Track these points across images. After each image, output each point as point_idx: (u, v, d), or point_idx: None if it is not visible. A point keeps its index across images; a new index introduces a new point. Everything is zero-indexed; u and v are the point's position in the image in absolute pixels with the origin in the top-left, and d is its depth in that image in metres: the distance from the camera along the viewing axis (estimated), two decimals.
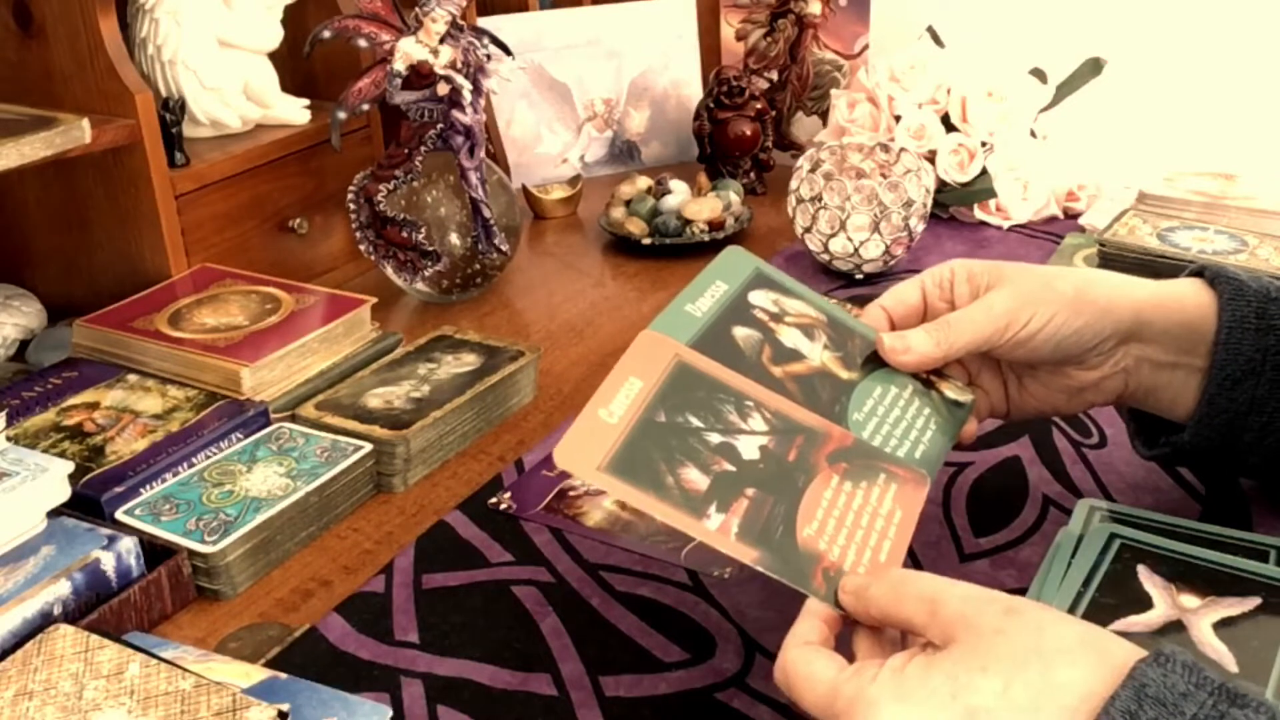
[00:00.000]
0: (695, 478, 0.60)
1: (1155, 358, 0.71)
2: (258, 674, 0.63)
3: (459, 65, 1.06)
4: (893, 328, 0.72)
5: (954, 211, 1.29)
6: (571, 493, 0.82)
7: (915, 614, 0.52)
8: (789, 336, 0.70)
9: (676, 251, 1.24)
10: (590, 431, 0.60)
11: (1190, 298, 0.71)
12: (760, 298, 0.71)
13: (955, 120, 1.26)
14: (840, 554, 0.59)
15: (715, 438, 0.63)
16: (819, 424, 0.66)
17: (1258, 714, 0.44)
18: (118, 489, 0.78)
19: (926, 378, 0.72)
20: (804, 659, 0.53)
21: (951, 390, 0.72)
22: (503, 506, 0.81)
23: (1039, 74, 1.31)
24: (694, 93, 1.51)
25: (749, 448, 0.63)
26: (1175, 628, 0.64)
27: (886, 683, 0.50)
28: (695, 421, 0.63)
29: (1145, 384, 0.72)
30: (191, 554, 0.73)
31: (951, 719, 0.47)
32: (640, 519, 0.79)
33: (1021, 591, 0.70)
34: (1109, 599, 0.66)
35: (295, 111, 1.18)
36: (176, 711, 0.58)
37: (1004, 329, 0.68)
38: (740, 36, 1.47)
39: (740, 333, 0.69)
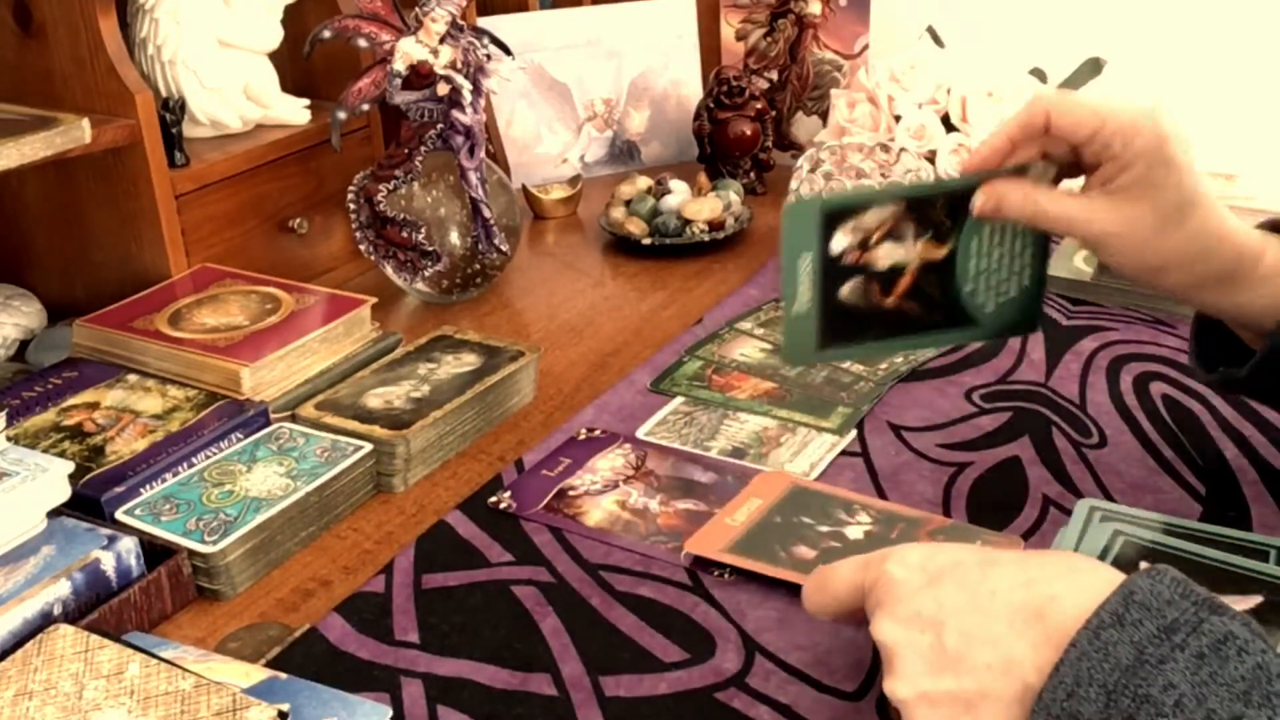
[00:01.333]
0: (804, 551, 0.73)
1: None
2: (258, 674, 0.63)
3: (459, 65, 1.06)
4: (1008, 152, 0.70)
5: None
6: (571, 492, 0.82)
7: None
8: (883, 255, 0.73)
9: (676, 251, 1.24)
10: (717, 531, 0.76)
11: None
12: (840, 241, 0.72)
13: (955, 120, 1.26)
14: None
15: (825, 528, 0.76)
16: (919, 515, 0.77)
17: (1233, 621, 0.48)
18: (118, 489, 0.78)
19: None
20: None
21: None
22: (502, 506, 0.81)
23: (1039, 74, 1.31)
24: (694, 93, 1.51)
25: (855, 533, 0.75)
26: None
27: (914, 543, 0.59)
28: (807, 520, 0.77)
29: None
30: (191, 554, 0.73)
31: (973, 559, 0.55)
32: (641, 519, 0.79)
33: None
34: None
35: (295, 111, 1.18)
36: (176, 711, 0.58)
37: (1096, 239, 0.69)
38: (740, 36, 1.47)
39: (846, 291, 0.73)
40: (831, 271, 0.73)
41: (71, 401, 0.89)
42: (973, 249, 0.73)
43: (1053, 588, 0.52)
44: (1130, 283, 0.70)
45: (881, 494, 0.81)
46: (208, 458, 0.83)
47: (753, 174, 1.42)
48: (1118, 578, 0.52)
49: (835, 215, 0.72)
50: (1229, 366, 0.74)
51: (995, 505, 0.79)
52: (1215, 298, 0.71)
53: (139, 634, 0.69)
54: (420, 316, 1.13)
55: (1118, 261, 0.70)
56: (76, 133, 0.94)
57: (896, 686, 0.54)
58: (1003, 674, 0.51)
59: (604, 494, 0.82)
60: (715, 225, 1.24)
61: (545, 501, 0.82)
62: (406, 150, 1.07)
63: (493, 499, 0.82)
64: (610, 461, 0.86)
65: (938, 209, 0.72)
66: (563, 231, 1.35)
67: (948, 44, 1.37)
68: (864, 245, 0.72)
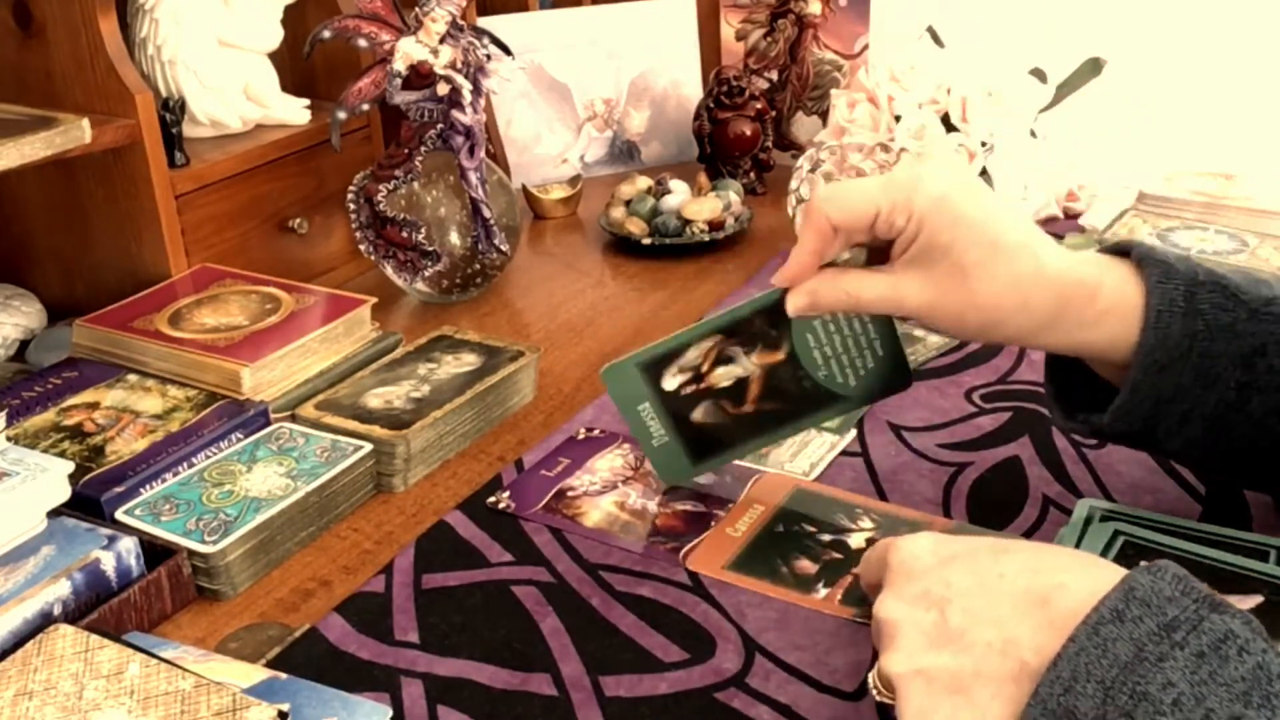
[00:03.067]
0: (806, 565, 0.73)
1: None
2: (258, 674, 0.63)
3: (459, 65, 1.06)
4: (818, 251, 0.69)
5: None
6: (570, 492, 0.82)
7: None
8: (722, 377, 0.75)
9: (676, 251, 1.24)
10: (718, 543, 0.76)
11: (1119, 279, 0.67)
12: (672, 382, 0.75)
13: (955, 120, 1.26)
14: None
15: (827, 536, 0.76)
16: (922, 518, 0.77)
17: (1234, 619, 0.47)
18: (118, 489, 0.78)
19: None
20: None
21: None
22: (501, 505, 0.81)
23: (1039, 74, 1.31)
24: (694, 93, 1.51)
25: (857, 540, 0.75)
26: None
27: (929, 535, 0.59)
28: (810, 528, 0.77)
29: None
30: (191, 554, 0.73)
31: (987, 545, 0.56)
32: (639, 520, 0.79)
33: None
34: None
35: (295, 111, 1.18)
36: (176, 711, 0.58)
37: (909, 313, 0.68)
38: (740, 36, 1.47)
39: (699, 415, 0.76)
40: (675, 405, 0.75)
41: (71, 401, 0.89)
42: (810, 342, 0.72)
43: (1061, 577, 0.52)
44: (971, 340, 0.68)
45: (881, 494, 0.81)
46: (208, 458, 0.83)
47: (753, 174, 1.42)
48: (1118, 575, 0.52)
49: (654, 365, 0.74)
50: (1092, 411, 0.69)
51: (995, 505, 0.79)
52: (1057, 340, 0.67)
53: (139, 634, 0.69)
54: (420, 316, 1.13)
55: (946, 329, 0.68)
56: (76, 133, 0.94)
57: (893, 661, 0.54)
58: (1000, 653, 0.51)
59: (603, 494, 0.82)
60: (715, 225, 1.24)
61: (544, 502, 0.82)
62: (406, 150, 1.07)
63: (491, 499, 0.82)
64: (609, 462, 0.86)
65: (756, 324, 0.72)
66: (563, 231, 1.35)
67: (948, 44, 1.36)
68: (698, 377, 0.74)
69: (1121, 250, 0.68)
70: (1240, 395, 0.65)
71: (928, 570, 0.56)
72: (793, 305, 0.70)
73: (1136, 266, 0.67)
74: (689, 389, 0.75)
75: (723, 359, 0.74)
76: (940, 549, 0.57)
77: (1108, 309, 0.66)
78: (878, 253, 0.70)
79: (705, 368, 0.74)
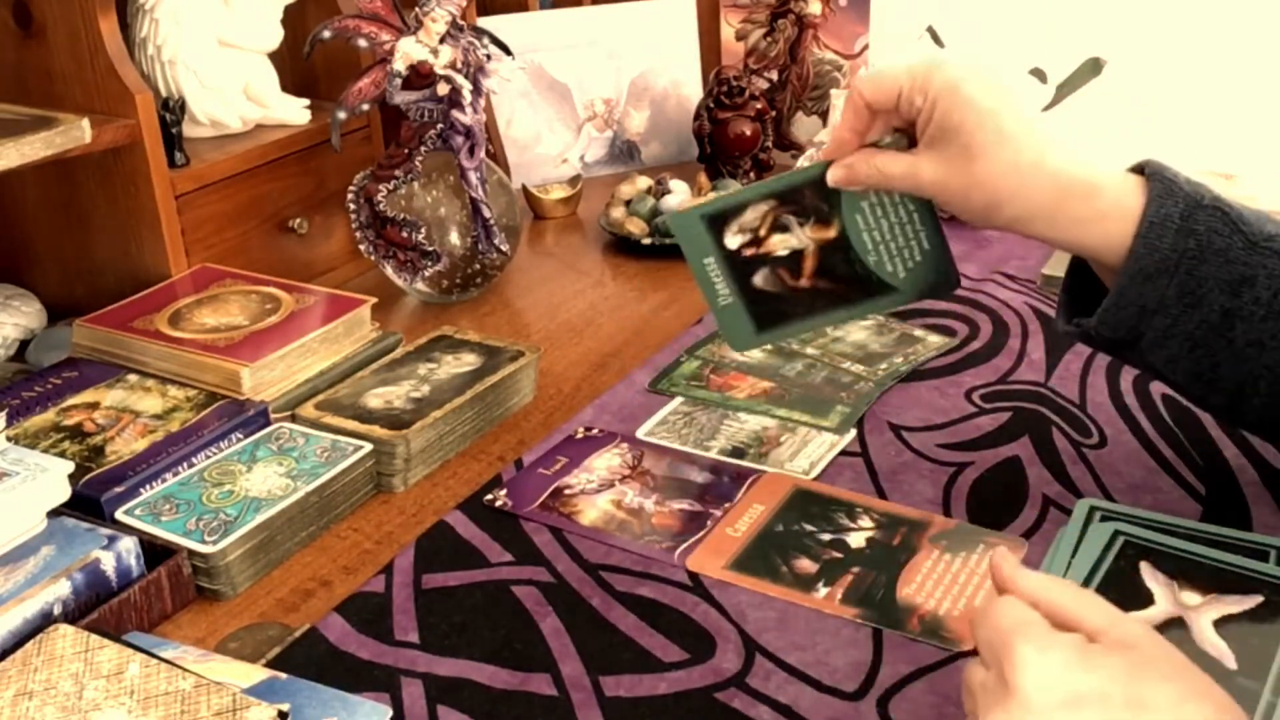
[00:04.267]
0: (806, 565, 0.74)
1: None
2: (258, 674, 0.63)
3: (459, 65, 1.06)
4: (858, 131, 0.74)
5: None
6: (567, 491, 0.82)
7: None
8: (778, 244, 0.77)
9: (676, 251, 1.23)
10: (719, 543, 0.76)
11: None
12: (733, 240, 0.78)
13: None
14: (936, 604, 0.70)
15: (827, 535, 0.76)
16: (922, 517, 0.78)
17: None
18: (118, 489, 0.78)
19: None
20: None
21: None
22: (498, 504, 0.81)
23: (1039, 74, 1.31)
24: (694, 93, 1.51)
25: (857, 540, 0.76)
26: (1176, 624, 0.64)
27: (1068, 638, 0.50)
28: (810, 527, 0.77)
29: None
30: (191, 554, 0.73)
31: (1122, 695, 0.47)
32: (635, 519, 0.79)
33: None
34: (1111, 596, 0.65)
35: (295, 111, 1.18)
36: (176, 711, 0.58)
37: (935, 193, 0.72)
38: (740, 36, 1.47)
39: (759, 280, 0.78)
40: (738, 266, 0.78)
41: (71, 401, 0.89)
42: (860, 224, 0.76)
43: None
44: (978, 224, 0.74)
45: (881, 494, 0.81)
46: (208, 458, 0.83)
47: (753, 174, 1.42)
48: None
49: (716, 219, 0.77)
50: (1087, 316, 0.72)
51: (995, 505, 0.79)
52: (1055, 233, 0.70)
53: (139, 634, 0.69)
54: (420, 316, 1.13)
55: (953, 206, 0.72)
56: (76, 133, 0.94)
57: None
58: None
59: (600, 493, 0.82)
60: None
61: (541, 500, 0.82)
62: (406, 150, 1.07)
63: (488, 497, 0.82)
64: (607, 461, 0.86)
65: (808, 196, 0.76)
66: (563, 231, 1.35)
67: (948, 44, 1.36)
68: (756, 240, 0.77)
69: (1140, 167, 0.72)
70: (1224, 320, 0.68)
71: (1050, 710, 0.47)
72: (832, 176, 0.74)
73: (1145, 179, 0.70)
74: (749, 250, 0.78)
75: (779, 225, 0.77)
76: (1070, 681, 0.48)
77: (1106, 210, 0.69)
78: (914, 143, 0.75)
79: (763, 231, 0.77)
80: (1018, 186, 0.69)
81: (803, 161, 1.21)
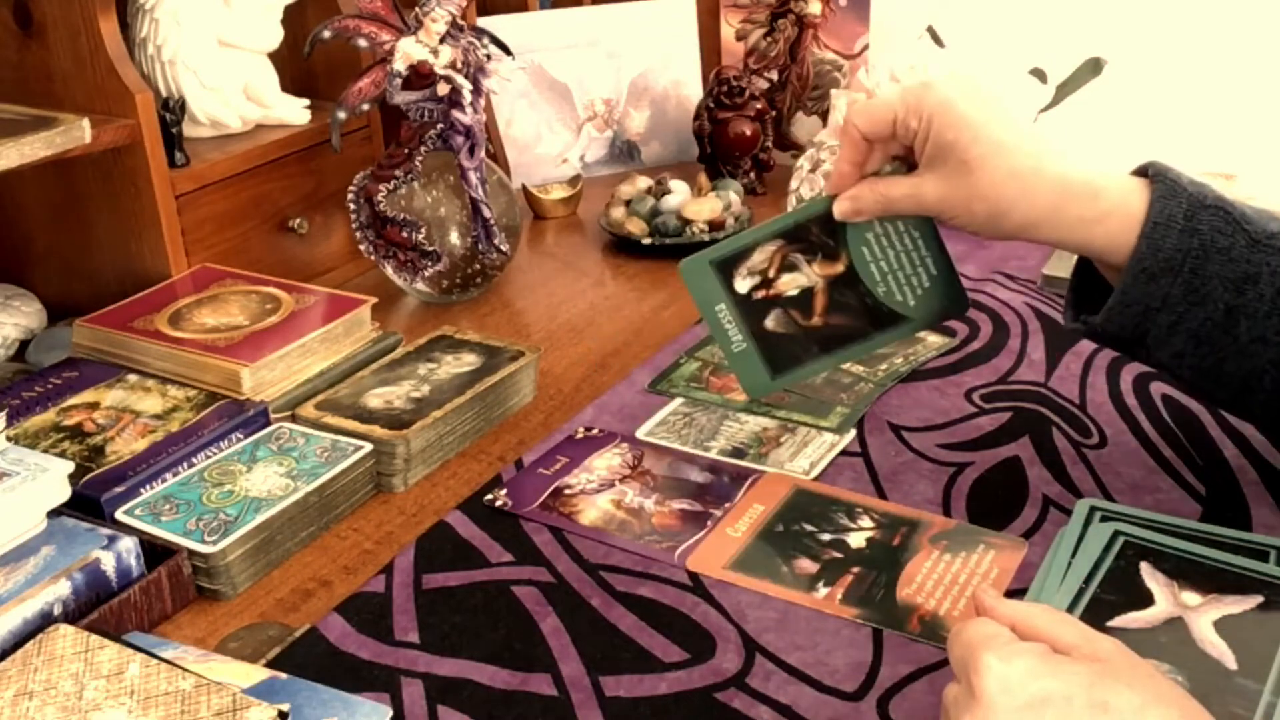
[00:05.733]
0: (806, 565, 0.74)
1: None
2: (258, 674, 0.63)
3: (459, 65, 1.06)
4: (858, 157, 0.76)
5: None
6: (567, 491, 0.83)
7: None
8: (788, 284, 0.79)
9: (676, 251, 1.24)
10: (719, 544, 0.76)
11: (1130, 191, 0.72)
12: (743, 284, 0.80)
13: None
14: (936, 604, 0.70)
15: (827, 536, 0.76)
16: (922, 517, 0.77)
17: None
18: (118, 489, 0.78)
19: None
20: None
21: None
22: (498, 503, 0.81)
23: (1039, 74, 1.31)
24: (694, 93, 1.51)
25: (857, 540, 0.76)
26: (1176, 624, 0.64)
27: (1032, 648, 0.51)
28: (810, 527, 0.77)
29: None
30: (191, 554, 0.73)
31: (1085, 698, 0.48)
32: (635, 518, 0.79)
33: (1022, 591, 0.70)
34: (1110, 596, 0.66)
35: (295, 111, 1.18)
36: (176, 711, 0.58)
37: (935, 211, 0.74)
38: (740, 36, 1.47)
39: (770, 323, 0.80)
40: (749, 310, 0.80)
41: (71, 401, 0.89)
42: (867, 255, 0.78)
43: None
44: (986, 236, 0.75)
45: (881, 494, 0.81)
46: (208, 458, 0.83)
47: (753, 174, 1.42)
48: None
49: (725, 264, 0.80)
50: (1093, 314, 0.74)
51: (995, 505, 0.79)
52: (1060, 235, 0.72)
53: (139, 634, 0.69)
54: (420, 316, 1.13)
55: (959, 221, 0.73)
56: (76, 133, 0.94)
57: None
58: None
59: (599, 493, 0.82)
60: (715, 225, 1.24)
61: (541, 500, 0.82)
62: (406, 150, 1.07)
63: (488, 497, 0.82)
64: (607, 461, 0.86)
65: (814, 233, 0.78)
66: (563, 231, 1.35)
67: (948, 44, 1.36)
68: (766, 281, 0.79)
69: (1143, 169, 0.73)
70: (1228, 317, 0.69)
71: (1013, 713, 0.48)
72: (838, 209, 0.76)
73: (1148, 180, 0.71)
74: (759, 294, 0.80)
75: (787, 265, 0.79)
76: (1034, 685, 0.49)
77: (1110, 211, 0.70)
78: (914, 169, 0.76)
79: (772, 273, 0.79)
80: (1019, 193, 0.70)
81: (802, 162, 1.21)
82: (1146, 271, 0.69)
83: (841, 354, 0.81)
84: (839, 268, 0.78)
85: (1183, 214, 0.69)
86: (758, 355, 0.81)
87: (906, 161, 0.75)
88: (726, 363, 0.83)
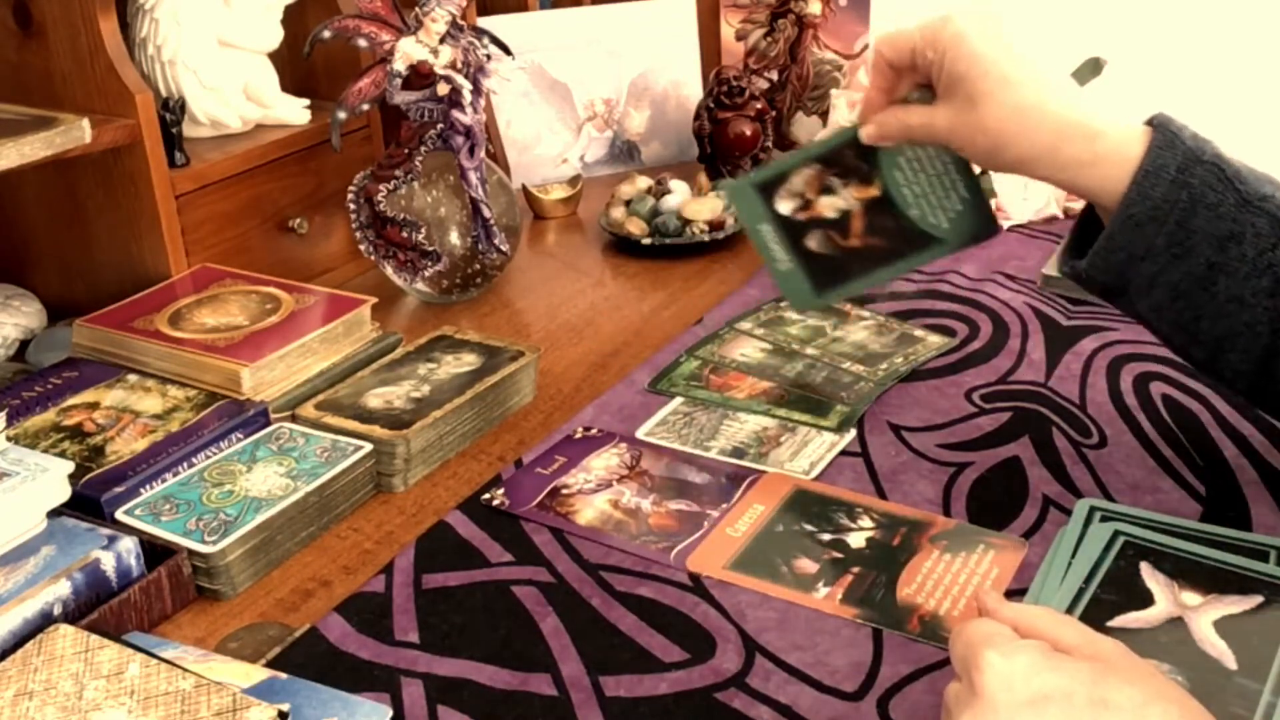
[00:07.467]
0: (806, 565, 0.74)
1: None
2: (258, 674, 0.63)
3: (459, 65, 1.06)
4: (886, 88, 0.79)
5: None
6: (564, 490, 0.83)
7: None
8: (826, 206, 0.82)
9: (676, 251, 1.24)
10: (719, 544, 0.76)
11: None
12: (784, 206, 0.83)
13: None
14: (936, 604, 0.70)
15: (827, 536, 0.77)
16: (922, 516, 0.78)
17: None
18: (118, 489, 0.78)
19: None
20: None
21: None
22: (496, 503, 0.81)
23: None
24: (694, 93, 1.51)
25: (857, 540, 0.76)
26: (1176, 624, 0.64)
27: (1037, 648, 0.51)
28: (810, 527, 0.77)
29: None
30: (191, 554, 0.73)
31: (1086, 695, 0.48)
32: (632, 519, 0.79)
33: (1022, 591, 0.70)
34: (1110, 596, 0.66)
35: (295, 111, 1.18)
36: (176, 711, 0.58)
37: (950, 141, 0.76)
38: (740, 36, 1.47)
39: (813, 243, 0.83)
40: (792, 230, 0.84)
41: (71, 401, 0.89)
42: (899, 180, 0.80)
43: None
44: (987, 167, 0.79)
45: (881, 494, 0.81)
46: (208, 458, 0.83)
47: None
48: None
49: (767, 186, 0.83)
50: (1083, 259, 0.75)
51: (995, 505, 0.79)
52: (1056, 173, 0.73)
53: (139, 634, 0.69)
54: (420, 316, 1.13)
55: (965, 151, 0.76)
56: (76, 133, 0.94)
57: None
58: None
59: (597, 493, 0.82)
60: (715, 225, 1.24)
61: (538, 499, 0.82)
62: (406, 150, 1.07)
63: (486, 496, 0.82)
64: (605, 461, 0.86)
65: (848, 157, 0.81)
66: (563, 231, 1.35)
67: None
68: (806, 204, 0.83)
69: (1152, 119, 0.74)
70: (1208, 273, 0.70)
71: (1015, 709, 0.48)
72: (864, 133, 0.79)
73: (1150, 129, 0.72)
74: (800, 214, 0.83)
75: (825, 189, 0.82)
76: (1035, 681, 0.49)
77: (1105, 154, 0.71)
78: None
79: (811, 196, 0.82)
80: (1020, 129, 0.72)
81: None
82: (1133, 218, 0.70)
83: (880, 273, 0.84)
84: (874, 191, 0.81)
85: (1176, 165, 0.70)
86: (802, 273, 0.84)
87: (933, 90, 0.77)
88: (774, 279, 0.86)
